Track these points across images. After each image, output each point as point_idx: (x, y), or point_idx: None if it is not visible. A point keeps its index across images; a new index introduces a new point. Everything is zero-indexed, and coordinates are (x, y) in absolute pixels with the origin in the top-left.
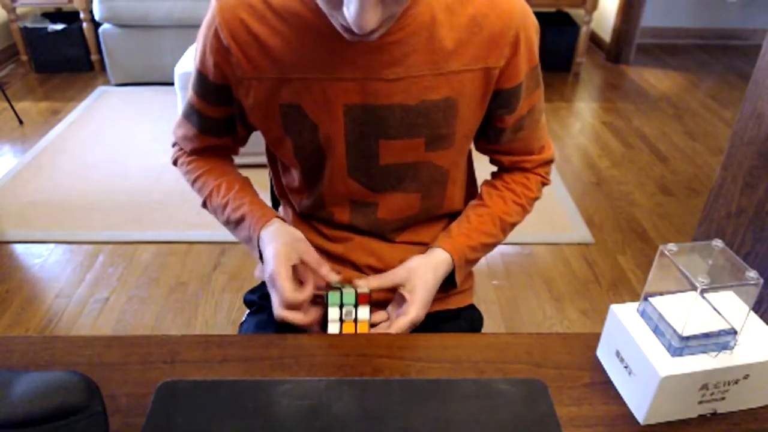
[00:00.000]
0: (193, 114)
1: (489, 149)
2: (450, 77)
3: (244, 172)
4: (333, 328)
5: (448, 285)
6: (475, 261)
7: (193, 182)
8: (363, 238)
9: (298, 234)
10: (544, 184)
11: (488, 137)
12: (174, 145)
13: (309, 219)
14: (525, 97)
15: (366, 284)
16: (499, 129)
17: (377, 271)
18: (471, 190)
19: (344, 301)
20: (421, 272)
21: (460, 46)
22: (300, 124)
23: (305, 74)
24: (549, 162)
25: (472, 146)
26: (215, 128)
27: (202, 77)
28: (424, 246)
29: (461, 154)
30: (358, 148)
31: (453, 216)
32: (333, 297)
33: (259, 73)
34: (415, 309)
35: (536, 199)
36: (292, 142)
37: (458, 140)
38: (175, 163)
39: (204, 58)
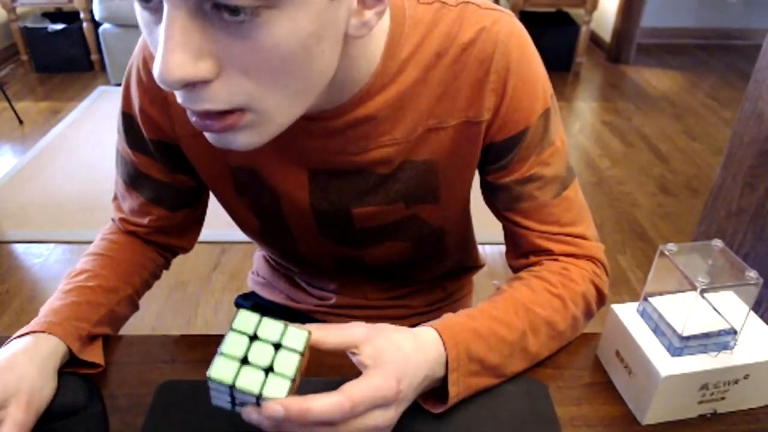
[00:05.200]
0: (138, 177)
1: (497, 212)
2: (428, 137)
3: None
4: (219, 396)
5: (435, 395)
6: (490, 366)
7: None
8: (347, 299)
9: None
10: (596, 285)
11: (488, 197)
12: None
13: (291, 272)
14: (524, 155)
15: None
16: (495, 187)
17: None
18: (471, 257)
19: (261, 334)
20: (391, 335)
21: (437, 103)
22: (256, 188)
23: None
24: (593, 258)
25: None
26: (155, 195)
27: (135, 128)
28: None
29: (454, 212)
30: (327, 215)
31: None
32: (243, 319)
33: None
34: (381, 374)
35: (585, 296)
36: (248, 201)
37: (444, 198)
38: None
39: (133, 107)
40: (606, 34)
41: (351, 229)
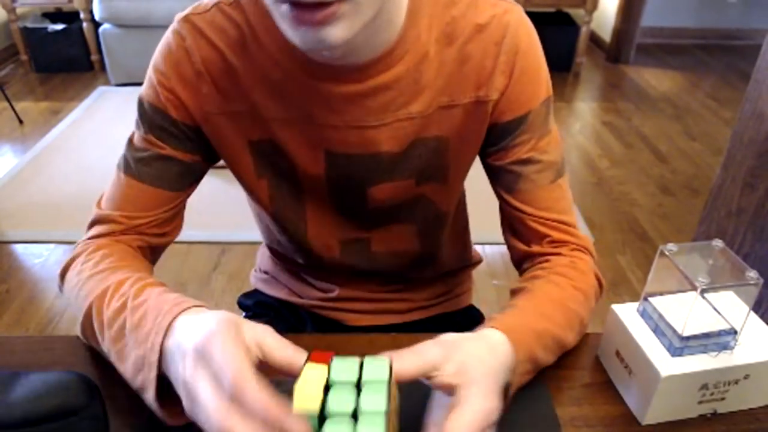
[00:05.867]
0: (141, 163)
1: (499, 195)
2: (440, 114)
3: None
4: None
5: None
6: (539, 365)
7: (95, 274)
8: (353, 292)
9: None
10: (597, 277)
11: (491, 181)
12: (92, 226)
13: (295, 266)
14: (524, 139)
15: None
16: (495, 169)
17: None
18: (465, 251)
19: (366, 377)
20: (466, 346)
21: (450, 81)
22: (275, 161)
23: (282, 114)
24: (588, 250)
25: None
26: (173, 176)
27: (157, 112)
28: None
29: (457, 196)
30: (341, 191)
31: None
32: (340, 366)
33: (230, 107)
34: (479, 395)
35: (595, 288)
36: (267, 181)
37: (452, 178)
38: (65, 270)
39: (158, 89)
40: (606, 34)
41: (363, 207)
